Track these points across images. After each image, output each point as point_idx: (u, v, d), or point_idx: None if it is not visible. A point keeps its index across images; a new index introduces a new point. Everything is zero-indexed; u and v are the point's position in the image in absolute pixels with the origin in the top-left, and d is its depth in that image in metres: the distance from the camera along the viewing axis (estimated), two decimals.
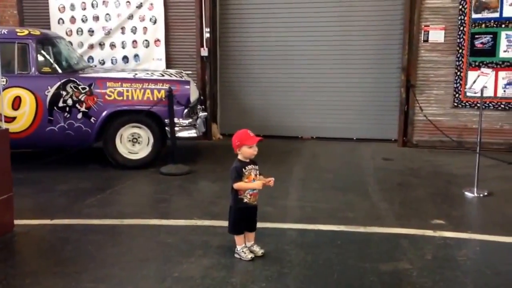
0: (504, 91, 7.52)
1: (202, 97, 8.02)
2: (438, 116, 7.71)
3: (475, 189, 5.51)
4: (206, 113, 7.48)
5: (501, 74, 7.47)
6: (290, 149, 7.81)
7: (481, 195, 5.47)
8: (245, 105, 8.74)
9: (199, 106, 7.32)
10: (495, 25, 7.43)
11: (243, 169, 3.79)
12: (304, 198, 5.49)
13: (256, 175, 3.85)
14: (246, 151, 3.80)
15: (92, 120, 6.47)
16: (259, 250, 3.96)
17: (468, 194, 5.53)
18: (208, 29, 8.30)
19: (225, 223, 4.53)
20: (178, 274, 3.68)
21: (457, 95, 7.68)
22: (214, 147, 8.02)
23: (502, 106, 7.55)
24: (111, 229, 4.57)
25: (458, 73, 7.63)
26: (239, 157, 3.85)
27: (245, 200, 3.84)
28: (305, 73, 8.45)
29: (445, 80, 7.72)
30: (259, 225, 4.61)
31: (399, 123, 7.97)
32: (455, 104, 7.71)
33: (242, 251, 3.89)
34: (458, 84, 7.66)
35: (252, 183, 3.80)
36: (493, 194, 5.50)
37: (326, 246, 4.17)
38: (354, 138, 8.34)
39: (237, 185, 3.80)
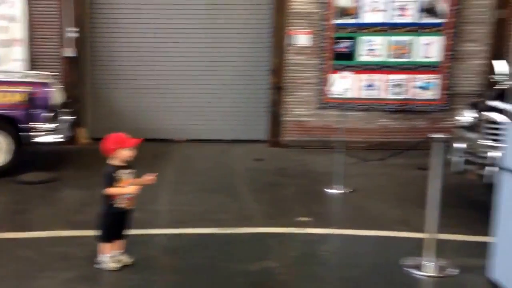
0: (365, 92, 8.04)
1: (68, 100, 7.60)
2: (305, 117, 8.04)
3: (339, 187, 5.81)
4: (72, 117, 7.08)
5: (362, 77, 7.99)
6: (161, 152, 7.68)
7: (345, 192, 5.78)
8: (115, 108, 8.44)
9: (63, 109, 6.92)
10: (355, 31, 7.93)
11: (117, 174, 3.63)
12: (174, 201, 5.41)
13: (132, 179, 3.71)
14: (124, 154, 3.66)
15: None
16: (127, 259, 3.81)
17: (332, 191, 5.80)
18: (73, 29, 7.89)
19: (90, 232, 4.32)
20: None
21: (321, 97, 8.07)
22: (81, 153, 7.64)
23: (363, 107, 8.06)
24: None
25: (322, 76, 8.02)
26: (113, 161, 3.67)
27: (120, 205, 3.68)
28: (176, 75, 8.37)
29: (311, 82, 8.06)
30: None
31: (268, 124, 8.20)
32: (320, 105, 8.09)
33: (109, 260, 3.73)
34: (322, 86, 8.05)
35: (125, 188, 3.65)
36: (355, 191, 5.82)
37: (196, 250, 4.16)
38: (226, 140, 8.42)
39: (110, 191, 3.63)
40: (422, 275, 3.75)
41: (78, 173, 6.44)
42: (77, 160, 7.20)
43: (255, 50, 8.26)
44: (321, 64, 7.99)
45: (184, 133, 8.50)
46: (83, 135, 8.20)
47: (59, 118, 6.47)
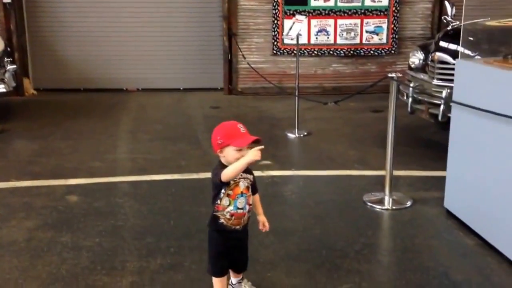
0: (316, 38, 8.04)
1: (9, 49, 7.19)
2: (259, 63, 7.95)
3: (296, 130, 5.89)
4: (14, 66, 6.71)
5: (313, 22, 7.95)
6: (115, 101, 7.47)
7: (302, 135, 5.87)
8: (61, 57, 8.07)
9: (6, 59, 6.56)
10: None
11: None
12: (134, 150, 5.32)
13: (247, 187, 2.54)
14: (231, 155, 2.42)
15: None
16: None
17: (290, 135, 5.88)
18: None
19: (46, 182, 4.25)
20: None
21: (275, 43, 8.01)
22: (28, 104, 7.33)
23: (315, 52, 8.07)
24: None
25: (275, 22, 7.93)
26: (222, 160, 2.48)
27: (223, 220, 2.51)
28: (125, 22, 8.03)
29: (264, 28, 7.97)
30: (88, 181, 4.40)
31: (224, 72, 8.09)
32: (274, 51, 8.04)
33: None
34: (275, 32, 7.96)
35: (241, 160, 2.37)
36: (311, 134, 5.91)
37: (160, 195, 4.13)
38: (181, 88, 8.26)
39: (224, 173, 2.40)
40: (383, 208, 3.90)
41: (27, 124, 6.20)
42: (25, 111, 6.91)
43: None
44: (273, 9, 7.88)
45: (136, 82, 8.27)
46: (28, 85, 7.84)
47: (2, 68, 6.14)
